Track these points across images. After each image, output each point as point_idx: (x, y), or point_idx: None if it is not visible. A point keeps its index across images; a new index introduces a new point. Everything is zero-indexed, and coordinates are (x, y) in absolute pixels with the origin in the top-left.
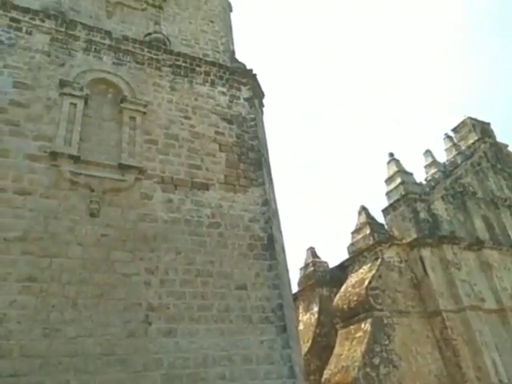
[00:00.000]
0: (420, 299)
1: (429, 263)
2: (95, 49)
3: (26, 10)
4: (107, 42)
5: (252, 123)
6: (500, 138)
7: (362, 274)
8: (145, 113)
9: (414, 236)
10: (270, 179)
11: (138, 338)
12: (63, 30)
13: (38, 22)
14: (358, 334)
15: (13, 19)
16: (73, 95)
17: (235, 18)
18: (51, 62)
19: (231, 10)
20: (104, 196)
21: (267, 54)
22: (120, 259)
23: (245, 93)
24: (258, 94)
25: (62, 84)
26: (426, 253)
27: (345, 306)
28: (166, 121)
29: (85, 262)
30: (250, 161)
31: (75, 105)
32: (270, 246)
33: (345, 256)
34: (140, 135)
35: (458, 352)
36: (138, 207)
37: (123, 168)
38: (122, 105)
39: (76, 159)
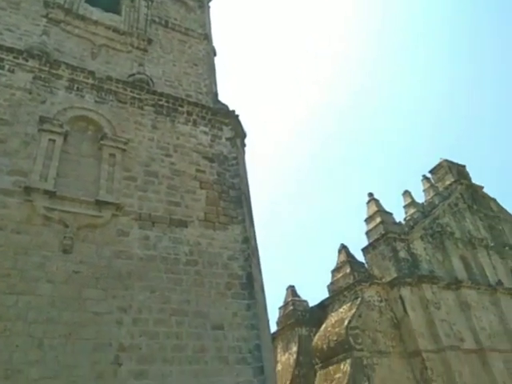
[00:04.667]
0: (400, 339)
1: (409, 302)
2: (78, 87)
3: (10, 50)
4: (90, 81)
5: (233, 162)
6: (475, 179)
7: (341, 314)
8: (125, 150)
9: (394, 275)
10: (251, 217)
11: (107, 380)
12: (47, 69)
13: (21, 61)
14: (337, 375)
15: None
16: (52, 131)
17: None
18: (32, 99)
19: (215, 54)
20: (78, 232)
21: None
22: (92, 297)
23: (227, 132)
24: (239, 134)
25: (42, 120)
26: (405, 292)
27: (324, 346)
28: (146, 158)
29: (54, 300)
30: (230, 198)
31: (54, 141)
32: (249, 284)
33: (325, 295)
34: (119, 172)
35: None
36: (113, 244)
37: (100, 204)
38: (101, 142)
39: (51, 194)
